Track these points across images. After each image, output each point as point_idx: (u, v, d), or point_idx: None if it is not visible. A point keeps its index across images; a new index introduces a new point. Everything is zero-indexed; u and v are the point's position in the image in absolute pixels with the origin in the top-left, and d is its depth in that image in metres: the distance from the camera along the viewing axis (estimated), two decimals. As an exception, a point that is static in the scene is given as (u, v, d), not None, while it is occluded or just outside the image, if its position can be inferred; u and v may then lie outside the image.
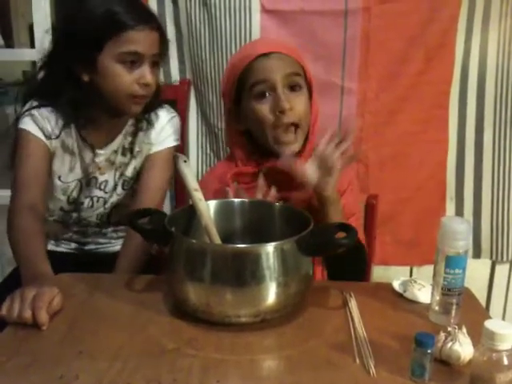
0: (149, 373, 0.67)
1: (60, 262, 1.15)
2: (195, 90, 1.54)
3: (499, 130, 1.51)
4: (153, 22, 1.04)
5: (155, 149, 1.17)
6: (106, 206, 1.21)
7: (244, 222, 0.94)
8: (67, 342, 0.74)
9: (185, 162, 0.89)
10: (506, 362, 0.59)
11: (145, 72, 1.04)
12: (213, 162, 1.59)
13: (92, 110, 1.11)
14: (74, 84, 1.05)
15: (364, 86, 1.46)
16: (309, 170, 0.93)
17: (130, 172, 1.19)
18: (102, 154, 1.16)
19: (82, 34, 1.01)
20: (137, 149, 1.18)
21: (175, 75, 1.53)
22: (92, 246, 1.26)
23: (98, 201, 1.20)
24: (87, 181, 1.18)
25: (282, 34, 1.42)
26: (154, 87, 1.08)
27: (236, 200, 0.96)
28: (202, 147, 1.59)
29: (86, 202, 1.20)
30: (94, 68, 1.03)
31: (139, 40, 1.01)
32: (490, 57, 1.45)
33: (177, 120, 1.22)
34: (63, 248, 1.26)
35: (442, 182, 1.55)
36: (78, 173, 1.17)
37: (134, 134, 1.17)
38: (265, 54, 1.00)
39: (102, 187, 1.19)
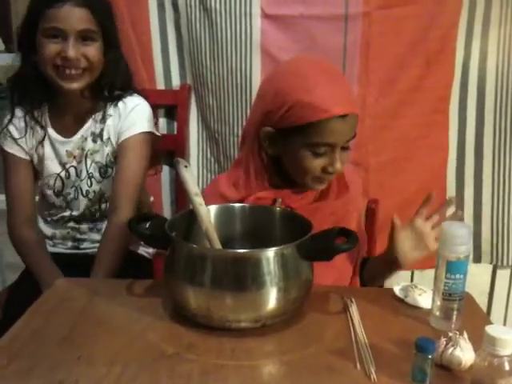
0: (148, 378, 0.67)
1: (57, 265, 1.17)
2: (196, 94, 1.54)
3: (499, 135, 1.51)
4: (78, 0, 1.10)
5: (124, 136, 1.19)
6: (90, 195, 1.22)
7: (244, 226, 0.94)
8: (67, 347, 0.74)
9: (186, 166, 0.89)
10: (507, 367, 0.59)
11: (66, 46, 1.09)
12: (213, 166, 1.59)
13: (52, 95, 1.17)
14: (28, 65, 1.15)
15: (364, 90, 1.46)
16: (401, 237, 0.93)
17: (104, 159, 1.21)
18: (72, 142, 1.20)
19: (28, 18, 1.12)
20: (106, 135, 1.20)
21: (176, 80, 1.53)
22: (88, 245, 1.27)
23: (80, 190, 1.22)
24: (67, 171, 1.22)
25: (283, 38, 1.42)
26: (85, 62, 1.12)
27: (236, 205, 0.95)
28: (202, 152, 1.59)
29: (72, 192, 1.23)
30: (35, 47, 1.12)
31: (59, 16, 1.08)
32: (490, 62, 1.46)
33: (144, 106, 1.21)
34: (60, 248, 1.27)
35: (442, 186, 1.55)
36: (56, 164, 1.21)
37: (103, 121, 1.20)
38: (342, 116, 0.91)
39: (79, 175, 1.22)
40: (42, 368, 0.69)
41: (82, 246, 1.27)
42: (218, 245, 0.86)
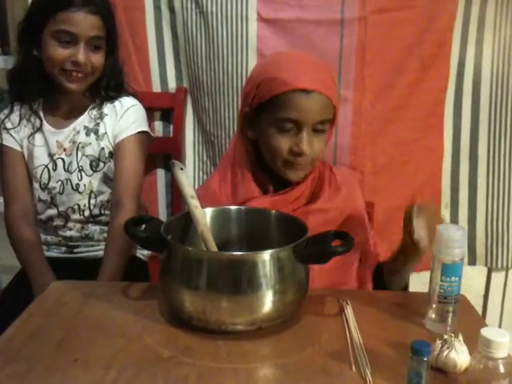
0: (144, 381, 0.67)
1: (52, 268, 1.16)
2: (192, 97, 1.54)
3: (494, 138, 1.52)
4: (91, 6, 1.11)
5: (122, 136, 1.21)
6: (80, 189, 1.22)
7: (240, 229, 0.94)
8: (62, 350, 0.74)
9: (181, 169, 0.89)
10: (502, 369, 0.59)
11: (77, 51, 1.12)
12: (209, 169, 1.59)
13: (49, 88, 1.19)
14: (28, 59, 1.17)
15: (360, 94, 1.46)
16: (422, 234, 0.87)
17: (96, 152, 1.22)
18: (64, 133, 1.22)
19: (32, 15, 1.14)
20: (102, 130, 1.22)
21: (172, 83, 1.53)
22: (82, 249, 1.27)
23: (67, 183, 1.22)
24: (54, 162, 1.22)
25: (279, 42, 1.43)
26: (90, 67, 1.15)
27: (232, 207, 0.96)
28: (198, 155, 1.59)
29: (58, 186, 1.23)
30: (39, 43, 1.14)
31: (72, 21, 1.10)
32: (485, 66, 1.47)
33: (139, 107, 1.25)
34: (54, 253, 1.27)
35: (437, 189, 1.55)
36: (44, 155, 1.22)
37: (99, 118, 1.22)
38: (306, 91, 0.92)
39: (68, 168, 1.22)
40: (38, 371, 0.69)
41: (75, 251, 1.27)
42: (213, 247, 0.86)
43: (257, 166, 1.02)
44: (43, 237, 1.27)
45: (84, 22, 1.11)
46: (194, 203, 0.87)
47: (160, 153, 1.55)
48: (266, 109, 0.95)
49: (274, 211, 0.95)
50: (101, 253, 1.23)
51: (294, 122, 0.93)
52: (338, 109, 0.98)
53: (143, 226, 0.85)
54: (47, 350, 0.74)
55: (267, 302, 0.76)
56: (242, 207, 0.96)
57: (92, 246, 1.27)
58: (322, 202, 1.01)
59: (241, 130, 1.02)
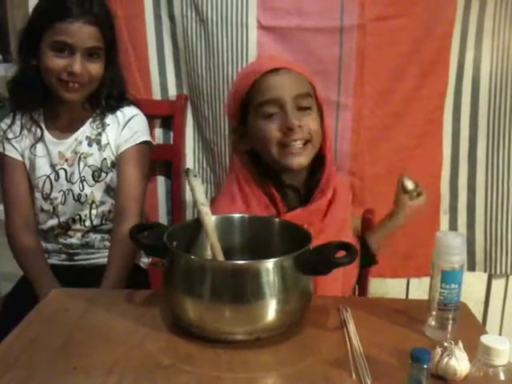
0: (145, 389, 0.67)
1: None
2: (192, 105, 1.55)
3: (492, 144, 1.52)
4: (88, 17, 1.11)
5: (125, 146, 1.21)
6: (81, 199, 1.22)
7: (243, 237, 0.94)
8: (62, 358, 0.74)
9: (195, 176, 0.90)
10: (502, 377, 0.59)
11: (73, 61, 1.12)
12: (209, 176, 1.59)
13: (49, 98, 1.19)
14: (28, 69, 1.17)
15: (359, 101, 1.47)
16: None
17: (99, 163, 1.22)
18: (66, 143, 1.22)
19: (32, 25, 1.14)
20: (105, 141, 1.22)
21: (172, 90, 1.54)
22: (82, 256, 1.27)
23: (69, 194, 1.22)
24: (56, 173, 1.22)
25: (279, 50, 1.43)
26: (87, 77, 1.15)
27: (236, 215, 0.95)
28: (198, 162, 1.59)
29: (60, 196, 1.23)
30: (38, 53, 1.14)
31: (69, 31, 1.10)
32: (484, 72, 1.47)
33: (141, 117, 1.25)
34: (55, 260, 1.27)
35: (436, 195, 1.56)
36: (46, 165, 1.22)
37: (101, 128, 1.22)
38: (273, 70, 0.95)
39: (70, 179, 1.23)
40: (38, 378, 0.69)
41: (76, 258, 1.27)
42: (220, 255, 0.86)
43: (261, 179, 1.02)
44: (43, 244, 1.27)
45: (80, 32, 1.11)
46: (204, 210, 0.87)
47: (160, 160, 1.56)
48: (248, 106, 0.97)
49: (277, 219, 0.95)
50: (101, 260, 1.23)
51: (275, 102, 0.95)
52: (317, 90, 1.00)
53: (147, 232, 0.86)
54: (47, 357, 0.74)
55: (270, 311, 0.75)
56: (246, 215, 0.96)
57: (92, 253, 1.27)
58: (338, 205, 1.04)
59: (234, 147, 1.03)
